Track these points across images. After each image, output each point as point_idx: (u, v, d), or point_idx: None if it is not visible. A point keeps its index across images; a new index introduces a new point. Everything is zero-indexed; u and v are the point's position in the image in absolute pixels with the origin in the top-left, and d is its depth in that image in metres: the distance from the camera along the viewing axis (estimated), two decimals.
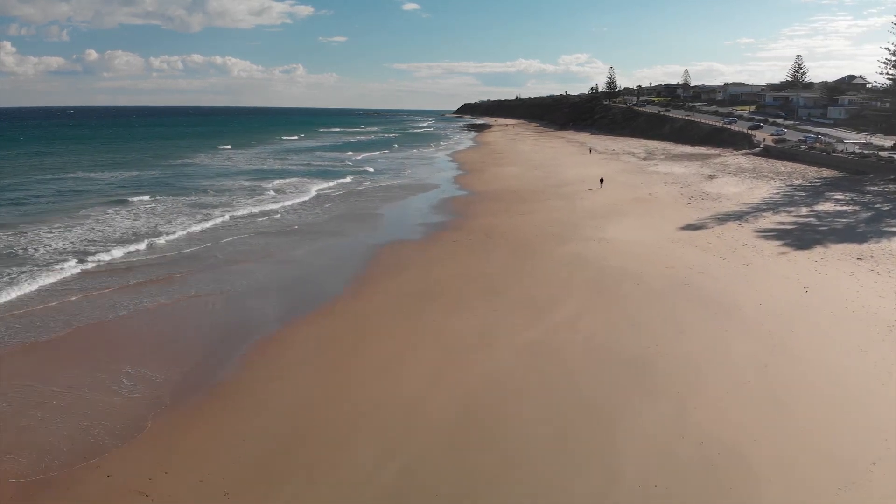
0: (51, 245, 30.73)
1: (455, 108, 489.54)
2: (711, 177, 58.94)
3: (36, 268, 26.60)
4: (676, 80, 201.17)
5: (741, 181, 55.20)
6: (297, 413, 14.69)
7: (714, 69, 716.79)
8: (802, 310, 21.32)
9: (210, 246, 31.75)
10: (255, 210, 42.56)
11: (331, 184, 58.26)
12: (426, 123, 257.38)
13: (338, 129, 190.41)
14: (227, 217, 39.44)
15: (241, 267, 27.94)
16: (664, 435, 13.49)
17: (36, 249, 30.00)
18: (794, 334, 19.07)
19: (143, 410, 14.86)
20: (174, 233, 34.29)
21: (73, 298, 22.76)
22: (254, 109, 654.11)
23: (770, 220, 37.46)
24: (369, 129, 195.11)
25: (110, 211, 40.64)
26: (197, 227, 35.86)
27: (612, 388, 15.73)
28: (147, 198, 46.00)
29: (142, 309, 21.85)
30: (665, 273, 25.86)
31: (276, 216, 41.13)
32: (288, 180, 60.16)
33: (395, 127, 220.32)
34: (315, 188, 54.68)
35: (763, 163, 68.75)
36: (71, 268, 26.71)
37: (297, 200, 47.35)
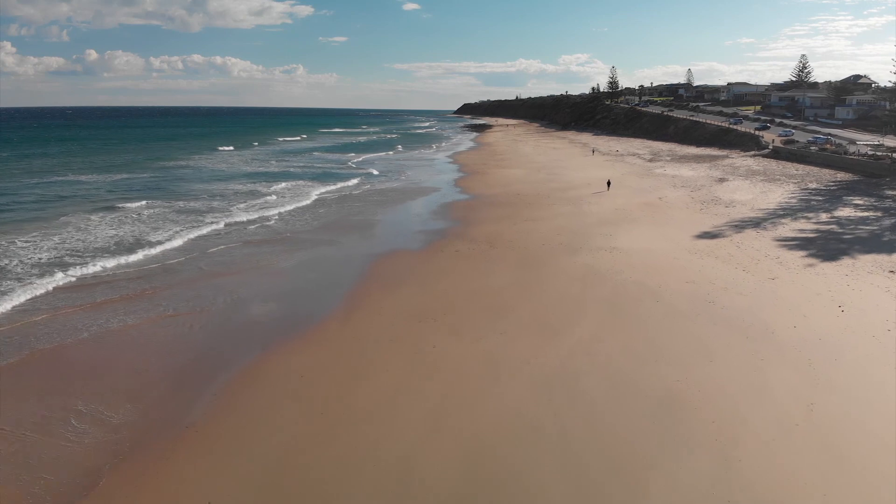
0: (24, 257, 28.64)
1: (455, 109, 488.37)
2: (721, 180, 56.89)
3: (5, 282, 24.57)
4: (677, 80, 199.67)
5: (753, 185, 53.14)
6: (273, 469, 12.58)
7: (714, 69, 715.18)
8: (842, 333, 19.24)
9: (195, 257, 29.68)
10: (249, 217, 40.34)
11: (330, 187, 56.21)
12: (427, 124, 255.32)
13: (338, 130, 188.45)
14: (217, 224, 37.33)
15: (226, 281, 25.85)
16: (708, 499, 11.41)
17: (10, 260, 27.96)
18: (837, 364, 16.99)
19: (95, 460, 12.79)
20: (159, 242, 32.21)
21: (36, 318, 20.67)
22: (254, 110, 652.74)
23: (790, 228, 35.39)
24: (370, 130, 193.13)
25: (94, 217, 38.57)
26: (184, 236, 33.75)
27: (640, 434, 13.65)
28: (135, 203, 43.97)
29: (106, 331, 19.68)
30: (686, 289, 23.78)
31: (269, 223, 39.06)
32: (286, 184, 58.09)
33: (395, 127, 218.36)
34: (313, 192, 52.71)
35: (773, 165, 66.73)
36: (41, 283, 24.61)
37: (294, 206, 45.16)
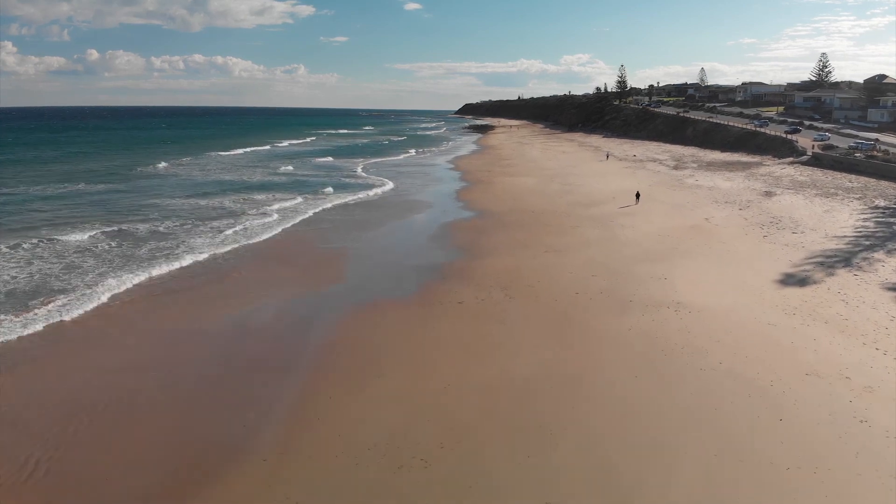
0: None
1: (456, 109, 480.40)
2: (768, 193, 48.75)
3: None
4: (679, 80, 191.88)
5: (808, 200, 44.99)
6: None
7: (716, 69, 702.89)
8: None
9: (89, 317, 21.50)
10: (211, 252, 30.73)
11: (322, 205, 48.03)
12: (430, 125, 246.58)
13: (335, 132, 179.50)
14: (156, 262, 28.83)
15: (106, 372, 17.55)
16: None
17: None
18: None
19: None
20: (61, 292, 23.94)
21: None
22: (255, 110, 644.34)
23: (892, 267, 27.25)
24: (373, 132, 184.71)
25: (3, 249, 30.43)
26: (102, 283, 25.16)
27: None
28: (68, 228, 35.55)
29: None
30: (811, 390, 15.66)
31: (226, 258, 30.72)
32: (273, 199, 49.63)
33: (398, 129, 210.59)
34: (307, 210, 44.53)
35: (819, 174, 58.51)
36: None
37: (265, 236, 35.41)
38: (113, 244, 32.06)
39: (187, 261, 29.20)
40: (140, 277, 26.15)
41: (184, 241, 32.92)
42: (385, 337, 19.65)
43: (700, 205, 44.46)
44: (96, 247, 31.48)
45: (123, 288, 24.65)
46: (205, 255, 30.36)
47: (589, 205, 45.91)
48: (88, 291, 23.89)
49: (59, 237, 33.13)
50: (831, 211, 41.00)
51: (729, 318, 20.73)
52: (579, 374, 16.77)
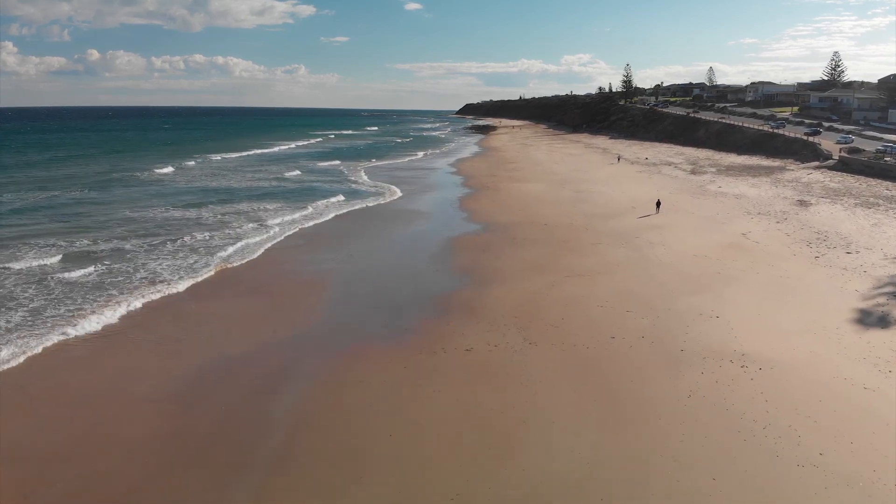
0: None
1: (457, 109, 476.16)
2: (803, 203, 44.34)
3: None
4: (680, 80, 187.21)
5: (849, 211, 40.56)
6: None
7: (717, 69, 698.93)
8: None
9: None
10: (162, 286, 25.56)
11: (312, 211, 43.69)
12: (433, 126, 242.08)
13: (339, 133, 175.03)
14: (104, 295, 24.40)
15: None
16: None
17: None
18: None
19: None
20: None
21: None
22: (256, 110, 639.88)
23: None
24: (375, 133, 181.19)
25: None
26: (30, 327, 20.58)
27: None
28: (18, 247, 31.32)
29: None
30: None
31: (191, 289, 26.47)
32: (258, 211, 45.42)
33: (399, 129, 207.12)
34: (277, 222, 40.20)
35: (850, 181, 54.14)
36: None
37: (249, 258, 31.04)
38: (63, 271, 27.41)
39: (145, 293, 24.72)
40: (79, 318, 21.54)
41: (144, 265, 28.46)
42: (368, 411, 15.16)
43: (732, 216, 40.02)
44: (41, 273, 26.96)
45: (55, 336, 20.00)
46: (167, 284, 25.93)
47: (607, 216, 41.51)
48: (11, 338, 19.44)
49: (2, 261, 28.67)
50: (879, 225, 36.58)
51: (812, 378, 16.30)
52: (638, 476, 12.32)
